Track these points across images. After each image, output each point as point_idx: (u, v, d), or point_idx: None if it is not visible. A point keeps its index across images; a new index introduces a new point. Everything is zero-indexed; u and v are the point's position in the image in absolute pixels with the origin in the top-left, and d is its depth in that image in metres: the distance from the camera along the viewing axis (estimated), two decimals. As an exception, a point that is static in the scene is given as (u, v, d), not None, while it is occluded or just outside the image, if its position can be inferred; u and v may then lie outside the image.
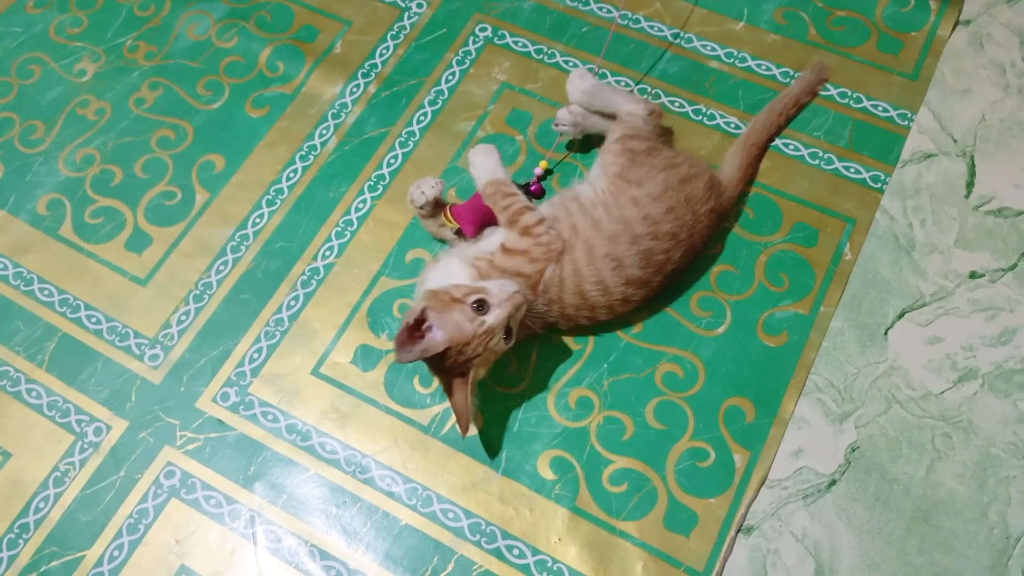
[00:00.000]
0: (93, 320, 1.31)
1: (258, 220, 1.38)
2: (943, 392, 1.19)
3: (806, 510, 1.13)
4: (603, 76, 1.44)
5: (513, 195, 1.21)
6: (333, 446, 1.21)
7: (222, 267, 1.34)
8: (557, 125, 1.35)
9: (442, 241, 1.31)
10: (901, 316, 1.24)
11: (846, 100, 1.41)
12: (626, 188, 1.20)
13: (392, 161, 1.41)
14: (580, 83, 1.29)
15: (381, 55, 1.51)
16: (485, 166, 1.24)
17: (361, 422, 1.22)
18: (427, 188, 1.25)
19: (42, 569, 1.15)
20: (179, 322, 1.30)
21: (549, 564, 1.12)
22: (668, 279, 1.21)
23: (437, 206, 1.28)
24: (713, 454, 1.17)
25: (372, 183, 1.39)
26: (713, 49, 1.47)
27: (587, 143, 1.38)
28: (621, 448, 1.18)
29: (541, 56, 1.48)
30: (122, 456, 1.21)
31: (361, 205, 1.38)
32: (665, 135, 1.35)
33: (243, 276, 1.33)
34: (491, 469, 1.18)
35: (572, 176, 1.36)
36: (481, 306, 1.08)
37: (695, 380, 1.22)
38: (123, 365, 1.28)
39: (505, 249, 1.17)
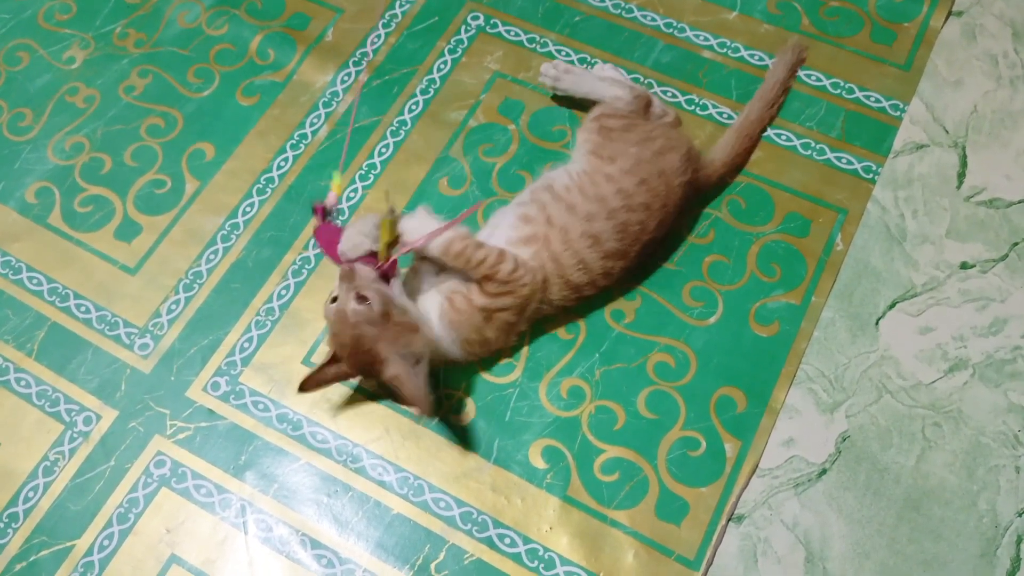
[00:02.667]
0: (82, 309, 1.31)
1: (249, 209, 1.37)
2: (934, 382, 1.20)
3: (797, 499, 1.14)
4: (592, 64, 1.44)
5: (482, 246, 1.13)
6: (324, 435, 1.20)
7: (212, 256, 1.33)
8: (542, 77, 1.38)
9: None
10: (892, 306, 1.25)
11: (838, 90, 1.41)
12: (601, 166, 1.21)
13: (384, 150, 1.40)
14: (553, 71, 1.37)
15: (372, 43, 1.50)
16: (432, 225, 1.13)
17: (352, 411, 1.21)
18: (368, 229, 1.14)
19: (31, 559, 1.14)
20: (169, 311, 1.30)
21: (540, 553, 1.12)
22: (644, 249, 1.22)
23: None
24: (704, 443, 1.17)
25: (363, 172, 1.39)
26: (706, 39, 1.47)
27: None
28: (613, 437, 1.18)
29: (534, 45, 1.48)
30: (112, 445, 1.21)
31: (352, 195, 1.37)
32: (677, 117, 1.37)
33: (234, 265, 1.33)
34: (483, 458, 1.18)
35: (540, 165, 1.36)
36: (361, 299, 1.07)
37: (687, 370, 1.22)
38: (113, 354, 1.27)
39: (486, 293, 1.14)
